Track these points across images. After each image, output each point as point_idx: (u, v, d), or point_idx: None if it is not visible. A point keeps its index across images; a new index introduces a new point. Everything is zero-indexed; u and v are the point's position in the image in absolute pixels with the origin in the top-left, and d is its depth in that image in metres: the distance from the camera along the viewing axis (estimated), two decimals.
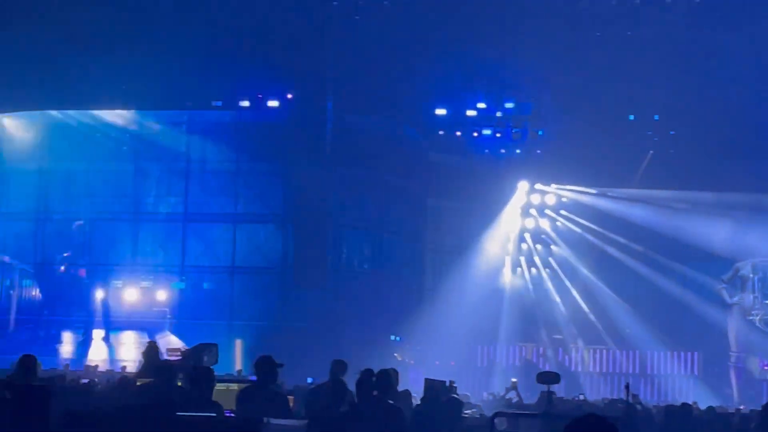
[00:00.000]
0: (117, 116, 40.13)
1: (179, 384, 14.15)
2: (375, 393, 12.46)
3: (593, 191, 42.42)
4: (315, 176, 37.16)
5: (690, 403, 20.74)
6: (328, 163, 37.77)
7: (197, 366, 14.28)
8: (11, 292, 40.75)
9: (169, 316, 38.77)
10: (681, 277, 42.28)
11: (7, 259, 40.77)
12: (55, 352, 37.80)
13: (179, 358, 16.56)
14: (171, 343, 33.17)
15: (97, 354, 38.35)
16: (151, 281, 39.63)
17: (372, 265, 40.76)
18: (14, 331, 39.82)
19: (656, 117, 40.18)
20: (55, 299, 40.38)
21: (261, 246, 39.42)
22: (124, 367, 32.63)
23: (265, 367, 12.54)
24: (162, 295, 39.39)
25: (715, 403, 25.87)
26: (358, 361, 14.54)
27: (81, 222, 40.14)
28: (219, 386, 13.94)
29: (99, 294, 39.74)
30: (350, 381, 13.24)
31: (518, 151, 42.26)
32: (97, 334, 39.30)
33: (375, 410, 12.22)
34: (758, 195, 39.61)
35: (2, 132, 40.65)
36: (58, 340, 39.37)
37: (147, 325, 38.41)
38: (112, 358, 38.20)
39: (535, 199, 43.29)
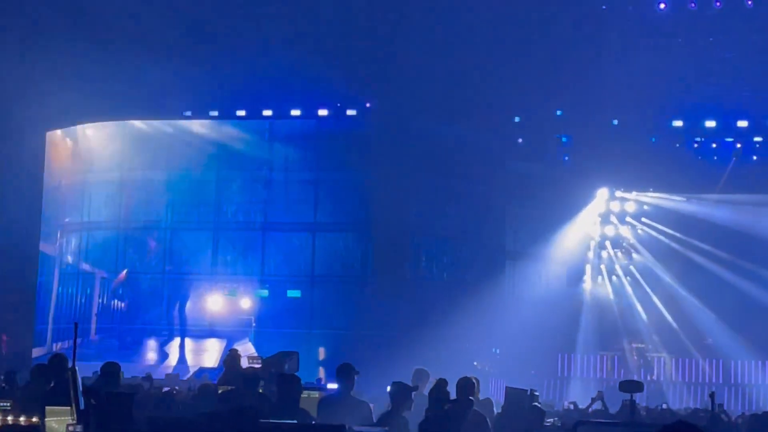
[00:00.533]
0: (199, 125, 40.44)
1: (260, 391, 14.22)
2: (447, 406, 12.39)
3: (677, 198, 41.89)
4: (394, 185, 37.19)
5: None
6: (407, 171, 37.77)
7: (284, 373, 14.35)
8: (93, 300, 41.19)
9: (253, 324, 38.98)
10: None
11: (88, 267, 41.22)
12: (137, 360, 38.14)
13: (260, 365, 16.66)
14: (249, 351, 33.41)
15: (180, 361, 38.65)
16: (234, 289, 39.83)
17: (451, 272, 40.61)
18: (97, 339, 40.26)
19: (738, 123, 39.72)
20: (137, 307, 40.75)
21: (340, 255, 39.49)
22: (206, 375, 32.85)
23: (346, 374, 12.53)
24: (246, 303, 39.59)
25: None
26: (437, 369, 14.51)
27: (155, 244, 40.52)
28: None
29: (183, 302, 40.03)
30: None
31: (597, 157, 41.96)
32: (179, 342, 39.62)
33: (459, 417, 12.17)
34: None
35: (85, 142, 41.13)
36: (140, 348, 39.73)
37: (230, 334, 38.67)
38: (193, 366, 38.50)
39: (615, 206, 42.93)
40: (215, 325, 39.32)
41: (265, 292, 39.69)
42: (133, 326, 40.43)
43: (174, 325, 39.99)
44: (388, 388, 13.35)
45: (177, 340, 39.50)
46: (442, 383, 13.09)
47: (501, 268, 43.31)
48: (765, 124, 39.65)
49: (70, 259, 41.64)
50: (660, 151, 40.31)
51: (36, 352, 38.12)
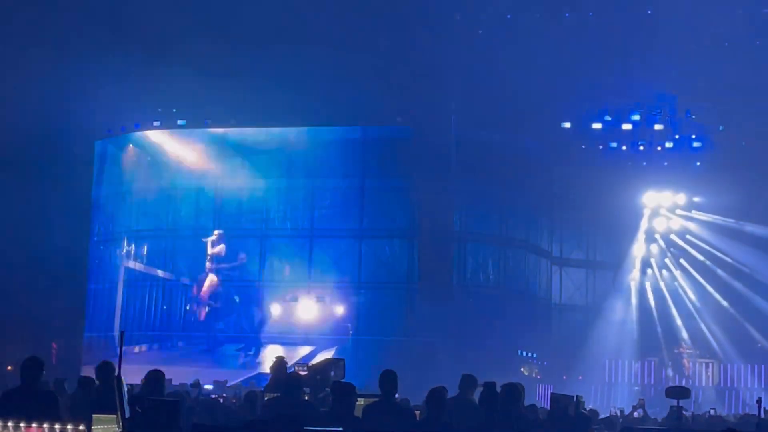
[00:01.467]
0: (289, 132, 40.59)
1: (306, 398, 14.26)
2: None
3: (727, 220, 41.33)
4: (439, 191, 37.18)
5: None
6: (453, 177, 37.78)
7: (339, 381, 14.38)
8: (173, 307, 41.23)
9: (350, 332, 38.83)
10: None
11: (164, 274, 41.29)
12: (222, 367, 38.08)
13: (306, 372, 16.70)
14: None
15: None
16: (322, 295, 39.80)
17: (497, 278, 40.52)
18: (183, 346, 40.45)
19: None
20: (222, 315, 40.83)
21: (386, 261, 39.50)
22: (252, 383, 32.90)
23: (389, 381, 12.53)
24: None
25: None
26: (483, 375, 14.48)
27: (244, 256, 40.58)
28: None
29: (267, 309, 40.11)
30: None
31: (645, 163, 41.82)
32: (260, 349, 39.52)
33: (504, 422, 12.17)
34: None
35: (170, 149, 41.15)
36: (225, 356, 39.74)
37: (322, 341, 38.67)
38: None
39: (660, 224, 42.49)
40: (308, 332, 39.30)
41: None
42: (218, 334, 40.53)
43: (255, 332, 40.08)
44: None
45: (269, 347, 39.20)
46: (491, 386, 13.06)
47: (548, 273, 43.20)
48: None
49: (139, 266, 41.73)
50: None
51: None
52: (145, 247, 41.65)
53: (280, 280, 40.19)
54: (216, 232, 40.42)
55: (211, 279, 40.49)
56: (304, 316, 39.61)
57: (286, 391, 13.36)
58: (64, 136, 36.47)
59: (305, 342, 38.92)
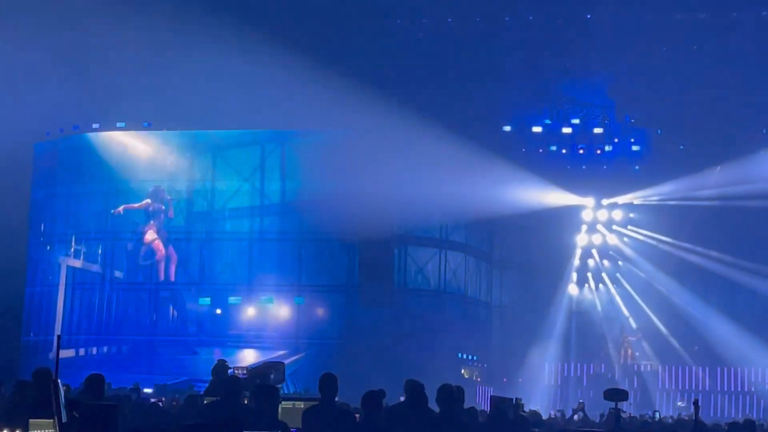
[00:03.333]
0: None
1: (245, 401, 14.19)
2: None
3: (668, 201, 41.59)
4: (380, 194, 37.13)
5: (753, 419, 20.32)
6: (393, 180, 37.74)
7: (262, 384, 14.33)
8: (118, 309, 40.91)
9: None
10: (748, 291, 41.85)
11: (119, 274, 40.97)
12: (167, 372, 37.83)
13: (246, 375, 16.63)
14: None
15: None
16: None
17: (437, 281, 40.55)
18: (125, 349, 40.13)
19: None
20: (165, 318, 40.60)
21: (327, 264, 39.44)
22: (191, 386, 32.73)
23: (329, 384, 12.51)
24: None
25: None
26: (424, 378, 14.50)
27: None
28: (285, 404, 13.97)
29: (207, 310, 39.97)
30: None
31: (584, 167, 42.03)
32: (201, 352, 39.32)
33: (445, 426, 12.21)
34: None
35: (111, 150, 40.79)
36: (165, 359, 39.46)
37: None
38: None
39: (602, 215, 42.74)
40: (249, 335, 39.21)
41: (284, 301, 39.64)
42: (159, 338, 40.25)
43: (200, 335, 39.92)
44: None
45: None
46: (419, 388, 13.09)
47: (489, 277, 43.34)
48: None
49: (78, 263, 41.34)
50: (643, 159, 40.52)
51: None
52: (84, 249, 41.29)
53: (220, 282, 40.03)
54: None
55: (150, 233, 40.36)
56: (247, 318, 39.48)
57: (226, 395, 13.29)
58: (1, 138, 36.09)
59: (248, 345, 38.83)
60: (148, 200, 40.28)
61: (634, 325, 42.44)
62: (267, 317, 39.40)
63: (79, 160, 41.18)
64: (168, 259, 40.41)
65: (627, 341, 42.06)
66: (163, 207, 40.32)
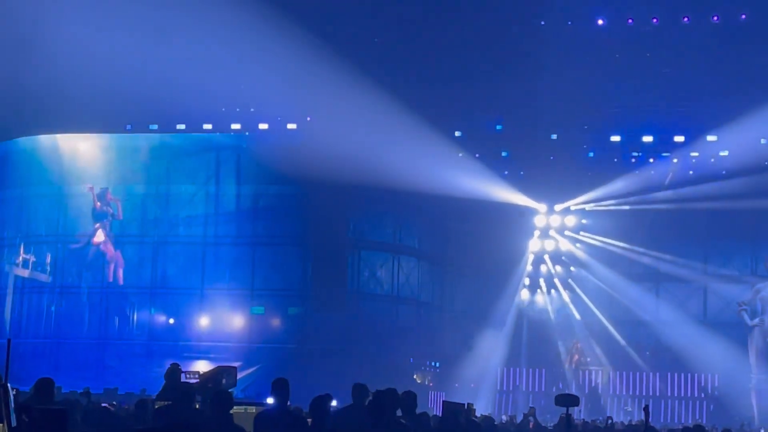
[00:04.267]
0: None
1: (197, 406, 14.14)
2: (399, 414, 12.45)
3: (618, 205, 41.82)
4: (332, 198, 37.11)
5: (703, 424, 20.49)
6: (346, 185, 37.72)
7: (216, 389, 14.29)
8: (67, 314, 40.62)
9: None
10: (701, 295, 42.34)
11: (45, 278, 40.67)
12: (113, 375, 37.59)
13: (197, 380, 16.56)
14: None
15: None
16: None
17: (390, 286, 40.56)
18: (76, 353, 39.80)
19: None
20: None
21: (280, 269, 39.39)
22: (143, 390, 32.55)
23: (281, 388, 12.49)
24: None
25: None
26: (376, 383, 14.51)
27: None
28: (237, 409, 13.94)
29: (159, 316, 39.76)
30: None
31: (521, 173, 41.96)
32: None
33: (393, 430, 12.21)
34: None
35: (64, 153, 40.53)
36: (116, 363, 39.21)
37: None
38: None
39: (555, 221, 42.80)
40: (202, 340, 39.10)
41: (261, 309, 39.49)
42: (102, 341, 40.01)
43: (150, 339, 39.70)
44: None
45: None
46: (380, 395, 13.08)
47: (441, 282, 43.39)
48: (700, 139, 40.12)
49: (25, 272, 41.02)
50: (598, 165, 40.66)
51: None
52: (33, 258, 40.95)
53: (172, 287, 39.87)
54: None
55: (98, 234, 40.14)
56: (202, 324, 39.37)
57: (178, 399, 13.24)
58: None
59: (201, 355, 38.64)
60: (98, 203, 40.11)
61: (584, 330, 42.62)
62: (222, 324, 39.30)
63: (29, 163, 40.88)
64: (116, 262, 40.21)
65: (576, 347, 42.23)
66: (111, 209, 40.12)
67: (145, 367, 38.26)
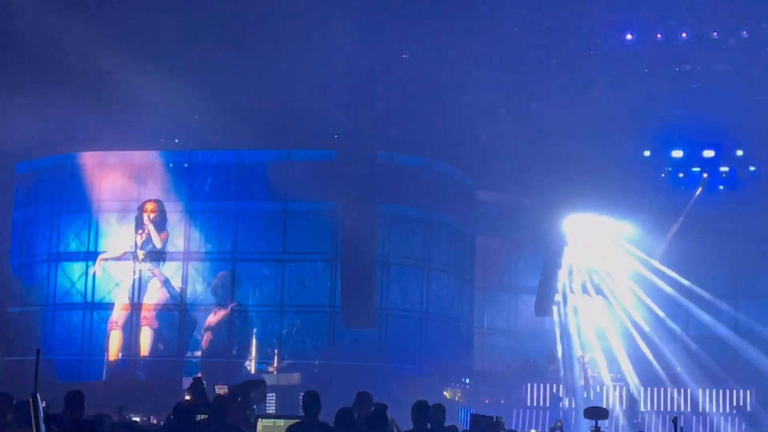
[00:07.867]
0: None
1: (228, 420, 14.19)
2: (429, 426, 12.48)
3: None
4: (362, 215, 37.11)
5: None
6: (376, 201, 37.76)
7: (245, 403, 14.34)
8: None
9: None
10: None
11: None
12: None
13: (226, 393, 16.62)
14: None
15: None
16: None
17: (420, 303, 40.46)
18: None
19: None
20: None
21: (309, 285, 39.40)
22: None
23: (311, 402, 12.51)
24: None
25: None
26: (406, 399, 14.53)
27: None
28: (265, 422, 13.98)
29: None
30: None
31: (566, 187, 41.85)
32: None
33: None
34: None
35: (93, 171, 40.75)
36: None
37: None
38: None
39: (584, 234, 42.61)
40: None
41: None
42: None
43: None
44: None
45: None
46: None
47: (471, 298, 43.30)
48: (731, 154, 40.03)
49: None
50: (628, 180, 40.53)
51: None
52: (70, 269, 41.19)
53: (201, 303, 39.96)
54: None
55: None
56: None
57: (213, 413, 13.31)
58: None
59: None
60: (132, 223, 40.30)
61: (618, 346, 42.34)
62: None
63: (62, 180, 41.09)
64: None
65: (583, 360, 42.01)
66: (145, 230, 40.29)
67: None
